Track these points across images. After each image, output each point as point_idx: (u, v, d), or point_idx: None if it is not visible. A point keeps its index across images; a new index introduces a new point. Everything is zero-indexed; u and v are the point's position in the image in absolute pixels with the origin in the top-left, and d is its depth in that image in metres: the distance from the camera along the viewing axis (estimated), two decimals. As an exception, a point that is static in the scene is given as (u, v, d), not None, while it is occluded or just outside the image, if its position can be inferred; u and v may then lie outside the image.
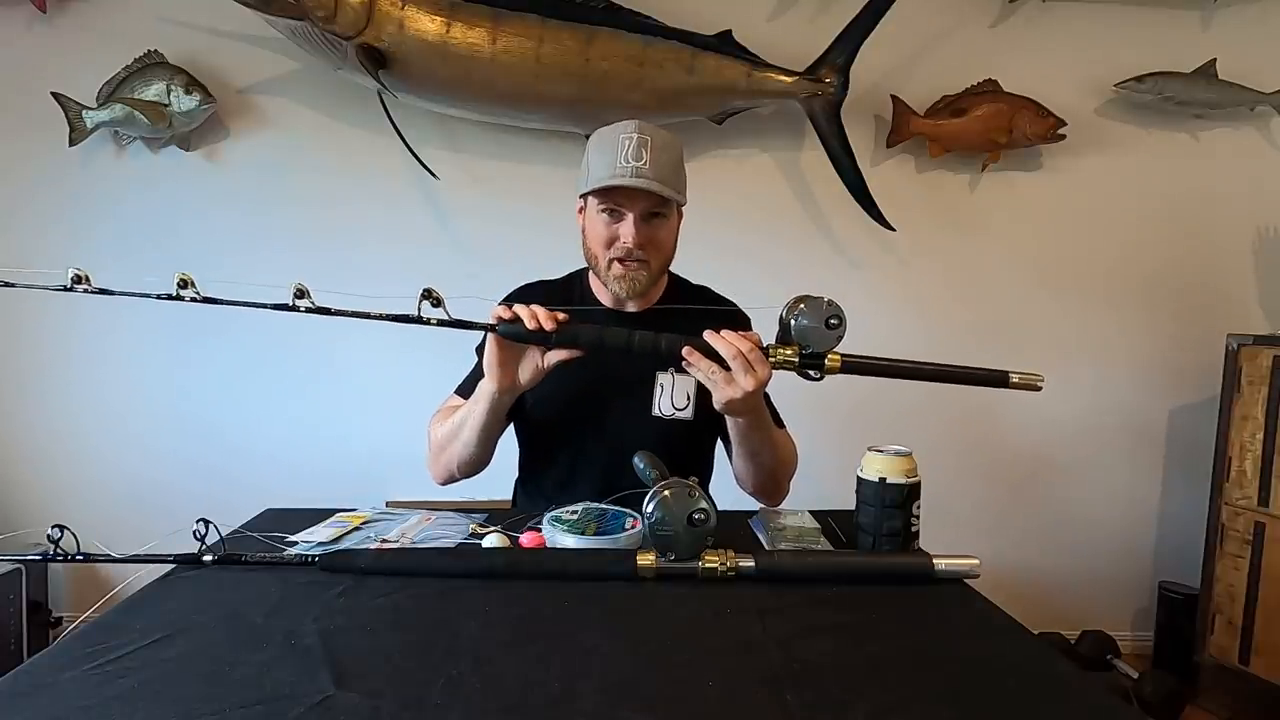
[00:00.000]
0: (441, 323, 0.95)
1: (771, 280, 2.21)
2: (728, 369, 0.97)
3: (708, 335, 0.98)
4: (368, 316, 0.95)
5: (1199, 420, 2.28)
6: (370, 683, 0.63)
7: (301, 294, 0.90)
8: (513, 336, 1.01)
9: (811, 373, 0.99)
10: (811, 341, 0.97)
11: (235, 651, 0.68)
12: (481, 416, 1.12)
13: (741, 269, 1.90)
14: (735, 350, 0.96)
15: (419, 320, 0.95)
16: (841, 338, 0.98)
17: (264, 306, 0.91)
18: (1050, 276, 2.31)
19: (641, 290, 1.16)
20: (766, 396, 1.26)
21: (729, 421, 1.10)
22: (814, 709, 0.61)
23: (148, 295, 0.91)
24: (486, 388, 1.08)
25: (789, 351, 0.98)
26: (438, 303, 0.94)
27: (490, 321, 1.01)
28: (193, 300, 0.90)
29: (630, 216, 1.11)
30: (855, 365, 0.99)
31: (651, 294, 1.23)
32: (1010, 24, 2.24)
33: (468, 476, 1.22)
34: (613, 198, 1.11)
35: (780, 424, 1.27)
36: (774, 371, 0.99)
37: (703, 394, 1.19)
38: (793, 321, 0.97)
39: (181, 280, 0.89)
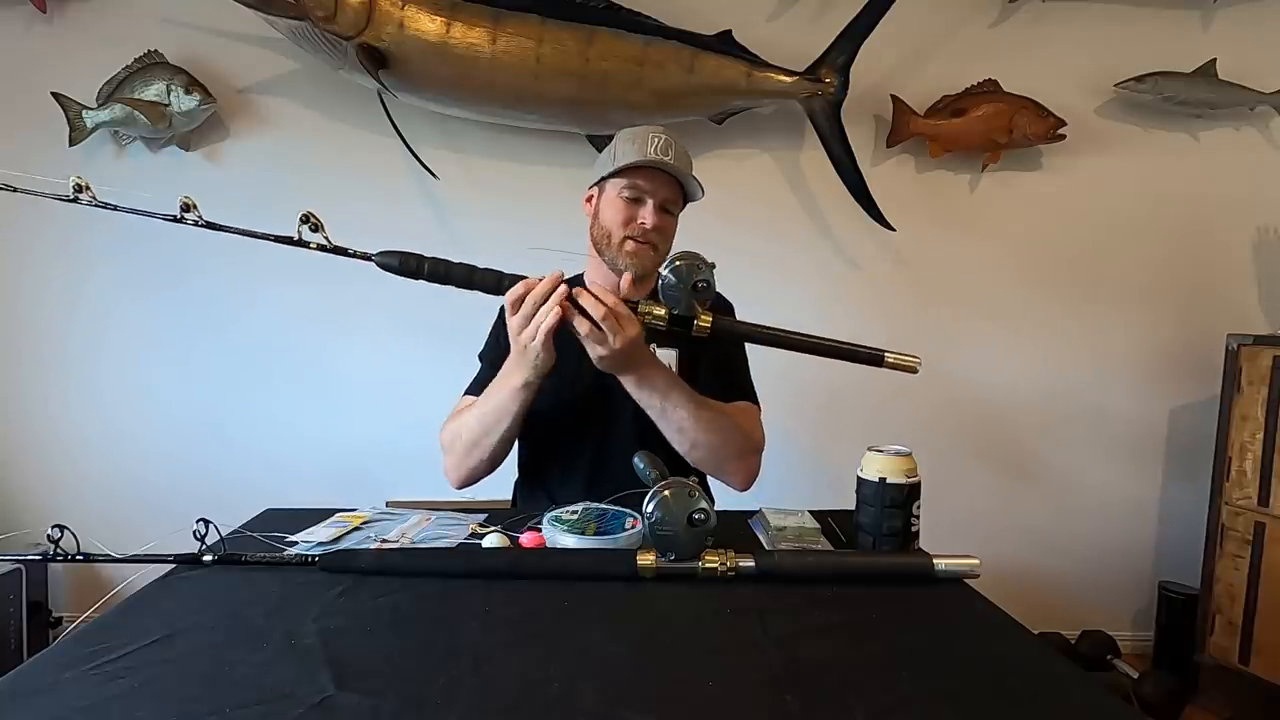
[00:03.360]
0: (321, 248, 0.99)
1: (771, 280, 2.22)
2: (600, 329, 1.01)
3: (577, 293, 1.02)
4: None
5: (1199, 420, 2.28)
6: (370, 683, 0.63)
7: (316, 227, 0.96)
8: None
9: (692, 333, 1.01)
10: (677, 304, 1.00)
11: (235, 651, 0.68)
12: (524, 405, 1.13)
13: (741, 269, 1.90)
14: (604, 310, 1.00)
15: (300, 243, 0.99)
16: (707, 300, 1.00)
17: (266, 238, 0.98)
18: (1049, 276, 2.31)
19: (646, 270, 1.21)
20: (737, 367, 1.30)
21: (626, 388, 1.12)
22: (814, 709, 0.61)
23: (149, 214, 0.96)
24: (528, 372, 1.08)
25: (660, 311, 1.01)
26: (316, 227, 0.97)
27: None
28: (194, 224, 0.94)
29: (651, 202, 1.20)
30: (725, 329, 1.02)
31: (646, 285, 1.26)
32: (1010, 24, 2.24)
33: (490, 471, 1.23)
34: (638, 181, 1.20)
35: (749, 399, 1.28)
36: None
37: (684, 370, 1.22)
38: (659, 281, 1.00)
39: (184, 204, 0.92)
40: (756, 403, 1.30)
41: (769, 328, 1.03)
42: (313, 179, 2.19)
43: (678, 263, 0.98)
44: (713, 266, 1.00)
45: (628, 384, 1.11)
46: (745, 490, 1.24)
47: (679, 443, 1.17)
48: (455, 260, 1.02)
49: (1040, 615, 2.20)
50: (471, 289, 1.02)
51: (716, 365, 1.25)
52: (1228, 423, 2.04)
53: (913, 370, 1.01)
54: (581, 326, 1.01)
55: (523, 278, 1.03)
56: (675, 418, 1.13)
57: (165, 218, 0.95)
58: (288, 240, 0.96)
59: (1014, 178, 2.28)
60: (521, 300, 1.02)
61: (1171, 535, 2.37)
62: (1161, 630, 2.26)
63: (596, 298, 1.01)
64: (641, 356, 1.08)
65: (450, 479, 1.25)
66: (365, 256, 1.00)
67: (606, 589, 0.83)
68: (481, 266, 1.03)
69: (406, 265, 1.01)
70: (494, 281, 1.02)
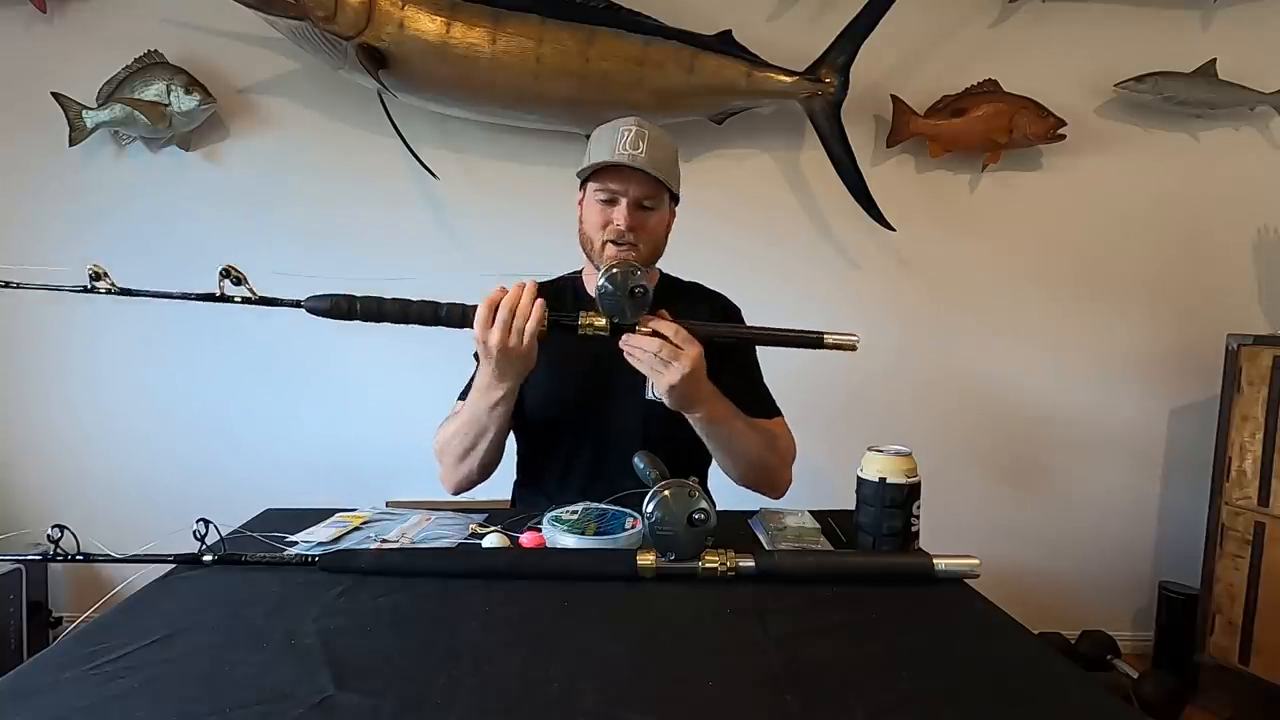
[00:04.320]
0: (247, 300, 0.93)
1: (772, 281, 2.22)
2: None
3: (626, 338, 1.01)
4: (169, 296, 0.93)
5: (1199, 420, 2.28)
6: (370, 683, 0.63)
7: (239, 280, 0.90)
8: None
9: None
10: (617, 312, 1.00)
11: (235, 651, 0.68)
12: (506, 414, 1.13)
13: (741, 269, 1.90)
14: (658, 344, 1.00)
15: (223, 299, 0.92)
16: (646, 305, 1.00)
17: (186, 298, 0.92)
18: (1050, 276, 2.31)
19: None
20: (757, 378, 1.30)
21: (691, 423, 1.11)
22: (814, 709, 0.61)
23: (60, 288, 0.92)
24: (510, 380, 1.08)
25: (601, 323, 1.01)
26: (239, 280, 0.91)
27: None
28: (107, 292, 0.90)
29: (624, 201, 1.16)
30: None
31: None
32: (1010, 24, 2.24)
33: (484, 478, 1.23)
34: (608, 183, 1.16)
35: (774, 413, 1.28)
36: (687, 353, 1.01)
37: None
38: (597, 292, 1.00)
39: (94, 272, 0.88)
40: (780, 412, 1.29)
41: (712, 324, 1.06)
42: (312, 179, 2.19)
43: (613, 270, 0.99)
44: (646, 272, 1.01)
45: (697, 423, 1.10)
46: (781, 498, 1.25)
47: (731, 464, 1.18)
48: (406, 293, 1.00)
49: (1040, 615, 2.20)
50: (408, 323, 1.00)
51: (737, 377, 1.22)
52: (1228, 423, 2.04)
53: (852, 348, 1.03)
54: (645, 358, 1.01)
55: (464, 305, 1.01)
56: (737, 445, 1.14)
57: (75, 290, 0.90)
58: (209, 297, 0.91)
59: (1014, 178, 2.28)
60: (494, 310, 1.00)
61: (1171, 535, 2.37)
62: (1161, 630, 2.26)
63: (652, 330, 1.00)
64: (706, 386, 1.06)
65: (445, 487, 1.26)
66: (294, 304, 0.96)
67: (606, 589, 0.83)
68: (416, 299, 1.00)
69: (338, 308, 0.98)
70: (431, 313, 1.00)
